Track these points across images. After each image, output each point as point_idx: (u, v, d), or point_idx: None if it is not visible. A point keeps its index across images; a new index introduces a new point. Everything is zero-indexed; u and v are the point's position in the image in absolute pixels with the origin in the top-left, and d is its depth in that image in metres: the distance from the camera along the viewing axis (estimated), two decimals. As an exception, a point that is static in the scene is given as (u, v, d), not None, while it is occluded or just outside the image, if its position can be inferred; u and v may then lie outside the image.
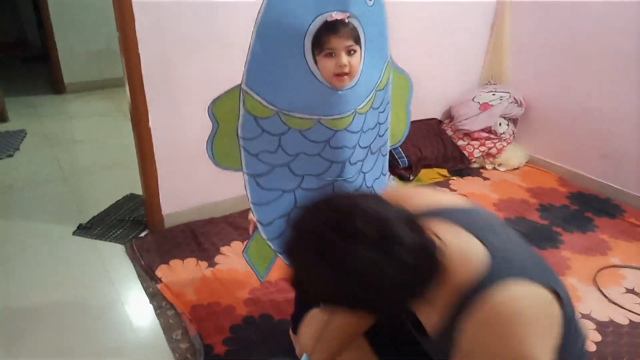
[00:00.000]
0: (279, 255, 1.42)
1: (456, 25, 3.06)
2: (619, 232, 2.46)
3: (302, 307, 1.62)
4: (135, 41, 2.02)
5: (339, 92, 1.21)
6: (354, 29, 1.19)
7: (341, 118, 1.25)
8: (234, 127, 1.28)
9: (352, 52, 1.18)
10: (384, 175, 1.51)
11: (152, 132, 2.21)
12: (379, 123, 1.38)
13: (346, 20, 1.16)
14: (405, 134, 1.51)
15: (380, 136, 1.41)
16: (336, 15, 1.16)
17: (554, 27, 2.91)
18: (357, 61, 1.21)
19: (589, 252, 2.28)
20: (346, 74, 1.19)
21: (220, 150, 1.30)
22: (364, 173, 1.41)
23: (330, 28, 1.16)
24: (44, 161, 3.18)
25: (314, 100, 1.23)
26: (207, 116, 1.29)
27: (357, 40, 1.20)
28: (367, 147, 1.38)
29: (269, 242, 1.40)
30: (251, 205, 1.36)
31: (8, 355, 1.66)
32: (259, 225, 1.38)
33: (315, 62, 1.19)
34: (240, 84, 1.25)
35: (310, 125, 1.25)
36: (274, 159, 1.30)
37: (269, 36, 1.20)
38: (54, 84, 4.68)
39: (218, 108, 1.27)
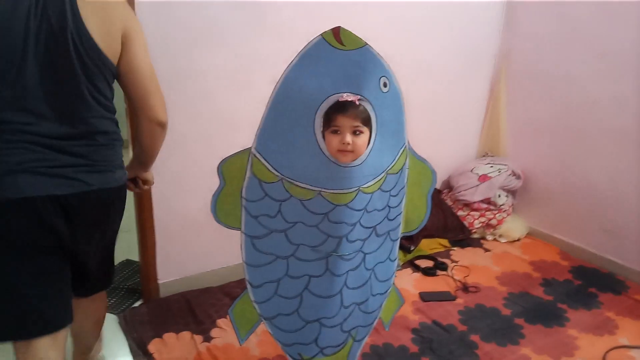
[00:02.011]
0: (263, 320, 1.42)
1: (454, 97, 3.16)
2: (625, 310, 2.40)
3: None
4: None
5: (344, 167, 1.24)
6: (364, 112, 1.23)
7: (343, 193, 1.27)
8: (239, 187, 1.31)
9: (357, 132, 1.23)
10: (392, 261, 1.49)
11: (153, 199, 2.20)
12: (390, 206, 1.38)
13: (357, 102, 1.21)
14: (423, 222, 1.51)
15: (389, 220, 1.41)
16: (347, 97, 1.21)
17: (550, 102, 3.00)
18: (363, 142, 1.25)
19: (596, 331, 2.22)
20: (349, 151, 1.22)
21: (223, 207, 1.33)
22: (365, 253, 1.39)
23: (340, 107, 1.21)
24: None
25: (317, 172, 1.26)
26: (207, 185, 1.35)
27: (366, 122, 1.24)
28: (371, 227, 1.37)
29: (255, 305, 1.39)
30: (244, 264, 1.35)
31: None
32: (248, 286, 1.39)
33: (324, 136, 1.23)
34: (250, 147, 1.29)
35: (312, 196, 1.27)
36: (272, 224, 1.32)
37: (283, 108, 1.25)
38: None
39: (227, 167, 1.30)
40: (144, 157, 1.43)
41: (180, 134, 2.18)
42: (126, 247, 2.67)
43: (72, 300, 1.34)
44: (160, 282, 2.33)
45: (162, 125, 1.35)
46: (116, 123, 1.32)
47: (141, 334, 2.04)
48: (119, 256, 2.69)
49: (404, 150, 1.37)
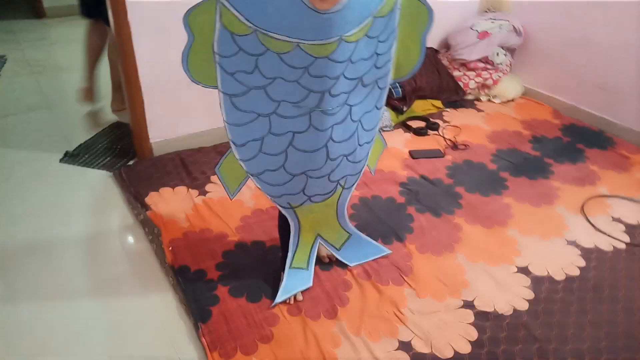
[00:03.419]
0: (250, 177, 1.42)
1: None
2: (609, 163, 2.47)
3: (287, 248, 1.63)
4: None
5: (322, 14, 1.11)
6: None
7: (322, 44, 1.16)
8: (211, 41, 1.20)
9: None
10: (378, 109, 1.44)
11: (137, 58, 2.12)
12: (377, 53, 1.30)
13: None
14: (415, 67, 1.40)
15: (377, 68, 1.33)
16: None
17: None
18: None
19: (579, 183, 2.30)
20: None
21: (195, 64, 1.22)
22: (350, 106, 1.34)
23: None
24: (27, 88, 3.08)
25: (294, 22, 1.14)
26: None
27: None
28: (357, 78, 1.30)
29: (241, 162, 1.38)
30: (225, 123, 1.32)
31: (4, 288, 1.66)
32: (232, 145, 1.35)
33: None
34: None
35: (289, 49, 1.17)
36: (250, 81, 1.24)
37: None
38: (34, 8, 4.45)
39: (194, 19, 1.17)
40: None
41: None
42: (116, 110, 2.66)
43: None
44: (152, 141, 2.35)
45: None
46: None
47: (137, 188, 2.11)
48: (110, 118, 2.69)
49: None
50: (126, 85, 2.20)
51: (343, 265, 1.74)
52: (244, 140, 1.34)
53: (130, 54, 2.10)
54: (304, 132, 1.33)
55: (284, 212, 1.54)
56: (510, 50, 3.14)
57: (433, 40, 3.24)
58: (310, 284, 1.65)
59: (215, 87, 1.27)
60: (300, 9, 1.11)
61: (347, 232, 1.72)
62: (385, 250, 1.81)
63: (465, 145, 2.58)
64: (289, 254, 1.62)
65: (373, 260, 1.77)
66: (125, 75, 2.16)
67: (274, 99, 1.27)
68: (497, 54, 3.04)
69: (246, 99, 1.27)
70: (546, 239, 1.93)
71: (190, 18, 1.17)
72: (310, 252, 1.66)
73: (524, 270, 1.76)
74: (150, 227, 1.91)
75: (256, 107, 1.29)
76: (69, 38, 4.04)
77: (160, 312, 1.58)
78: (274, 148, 1.36)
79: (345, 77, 1.27)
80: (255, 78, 1.23)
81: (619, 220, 2.06)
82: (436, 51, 3.23)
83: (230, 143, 1.35)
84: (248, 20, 1.15)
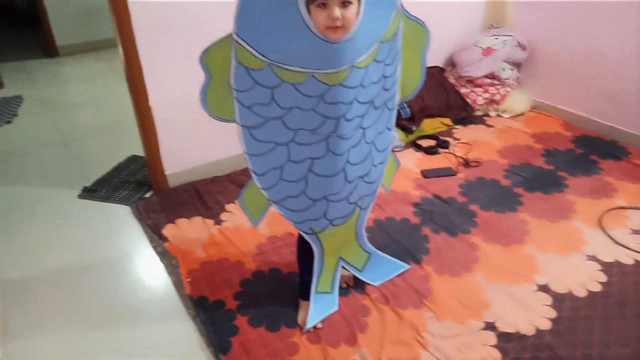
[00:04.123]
0: (272, 204, 1.44)
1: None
2: (625, 174, 2.44)
3: (306, 273, 1.64)
4: (125, -2, 1.95)
5: (334, 44, 1.16)
6: None
7: (336, 72, 1.21)
8: (227, 77, 1.24)
9: (346, 4, 1.13)
10: (389, 129, 1.48)
11: (149, 92, 2.18)
12: (385, 76, 1.34)
13: None
14: (418, 86, 1.45)
15: (386, 90, 1.37)
16: None
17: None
18: (353, 13, 1.15)
19: (595, 195, 2.28)
20: (339, 26, 1.13)
21: (213, 101, 1.27)
22: (364, 129, 1.38)
23: None
24: (43, 126, 3.16)
25: (307, 53, 1.19)
26: (202, 72, 1.25)
27: None
28: (368, 102, 1.34)
29: (262, 191, 1.41)
30: (245, 155, 1.35)
31: (26, 321, 1.70)
32: (252, 175, 1.39)
33: (309, 12, 1.13)
34: (231, 33, 1.19)
35: (304, 79, 1.21)
36: (267, 112, 1.28)
37: None
38: (46, 48, 4.58)
39: (209, 58, 1.21)
40: None
41: (166, 18, 2.09)
42: (131, 144, 2.71)
43: None
44: (167, 173, 2.39)
45: None
46: None
47: (155, 220, 2.14)
48: (125, 153, 2.74)
49: (397, 15, 1.29)
50: (139, 120, 2.25)
51: (361, 290, 1.74)
52: (264, 169, 1.37)
53: (141, 87, 2.15)
54: (322, 157, 1.36)
55: (307, 237, 1.55)
56: (517, 65, 3.15)
57: (438, 58, 3.26)
58: (337, 308, 1.66)
59: (233, 121, 1.31)
60: (312, 40, 1.16)
61: (367, 252, 1.73)
62: (405, 266, 1.83)
63: (477, 162, 2.58)
64: (314, 279, 1.63)
65: (391, 283, 1.77)
66: (138, 110, 2.21)
67: (291, 127, 1.31)
68: (503, 69, 3.05)
69: (264, 130, 1.31)
70: (565, 255, 1.91)
71: (206, 57, 1.21)
72: (333, 276, 1.67)
73: (544, 288, 1.74)
74: (168, 259, 1.93)
75: (274, 137, 1.32)
76: (81, 75, 4.15)
77: (181, 343, 1.59)
78: (293, 175, 1.39)
79: (358, 102, 1.31)
80: (272, 109, 1.27)
81: (638, 233, 2.03)
82: (442, 69, 3.26)
83: (251, 172, 1.38)
84: (263, 55, 1.19)
